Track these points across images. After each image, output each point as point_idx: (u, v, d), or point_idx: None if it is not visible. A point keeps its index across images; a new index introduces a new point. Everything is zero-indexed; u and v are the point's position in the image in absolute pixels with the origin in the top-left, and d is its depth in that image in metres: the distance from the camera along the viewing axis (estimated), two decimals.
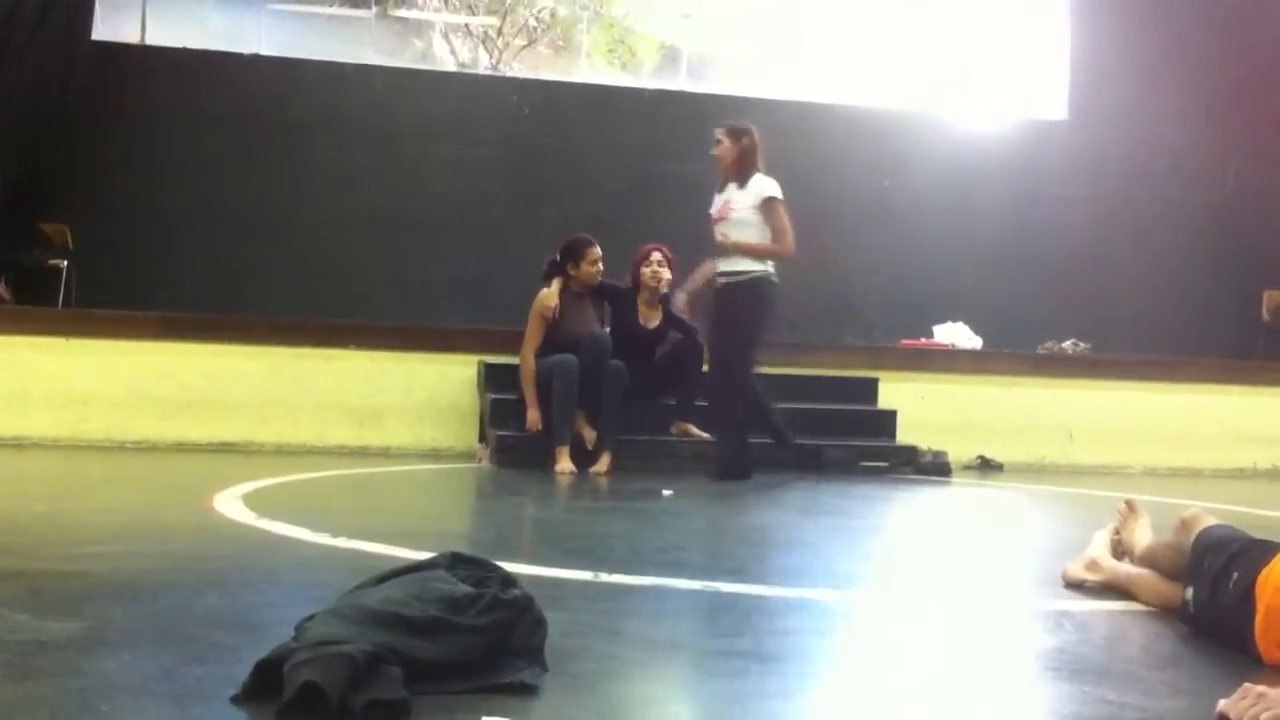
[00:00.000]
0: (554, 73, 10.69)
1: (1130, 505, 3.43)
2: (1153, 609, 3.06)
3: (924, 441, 7.44)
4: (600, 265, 6.91)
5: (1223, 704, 2.11)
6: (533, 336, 6.81)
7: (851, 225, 9.88)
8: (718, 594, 3.19)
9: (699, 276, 6.77)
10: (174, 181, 9.19)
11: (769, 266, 6.40)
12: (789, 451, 6.86)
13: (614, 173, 9.74)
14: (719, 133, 6.52)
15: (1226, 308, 10.25)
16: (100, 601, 2.73)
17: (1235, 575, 2.65)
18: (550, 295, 6.85)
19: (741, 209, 6.38)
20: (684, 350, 6.94)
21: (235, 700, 1.96)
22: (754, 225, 6.35)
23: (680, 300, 6.91)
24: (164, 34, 9.59)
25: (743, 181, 6.42)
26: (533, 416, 6.66)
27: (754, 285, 6.33)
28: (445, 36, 10.95)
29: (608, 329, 6.99)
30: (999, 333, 9.23)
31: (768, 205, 6.34)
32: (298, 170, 9.46)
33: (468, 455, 7.24)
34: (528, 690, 2.09)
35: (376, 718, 1.88)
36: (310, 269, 9.29)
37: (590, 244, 6.93)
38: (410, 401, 7.55)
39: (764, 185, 6.38)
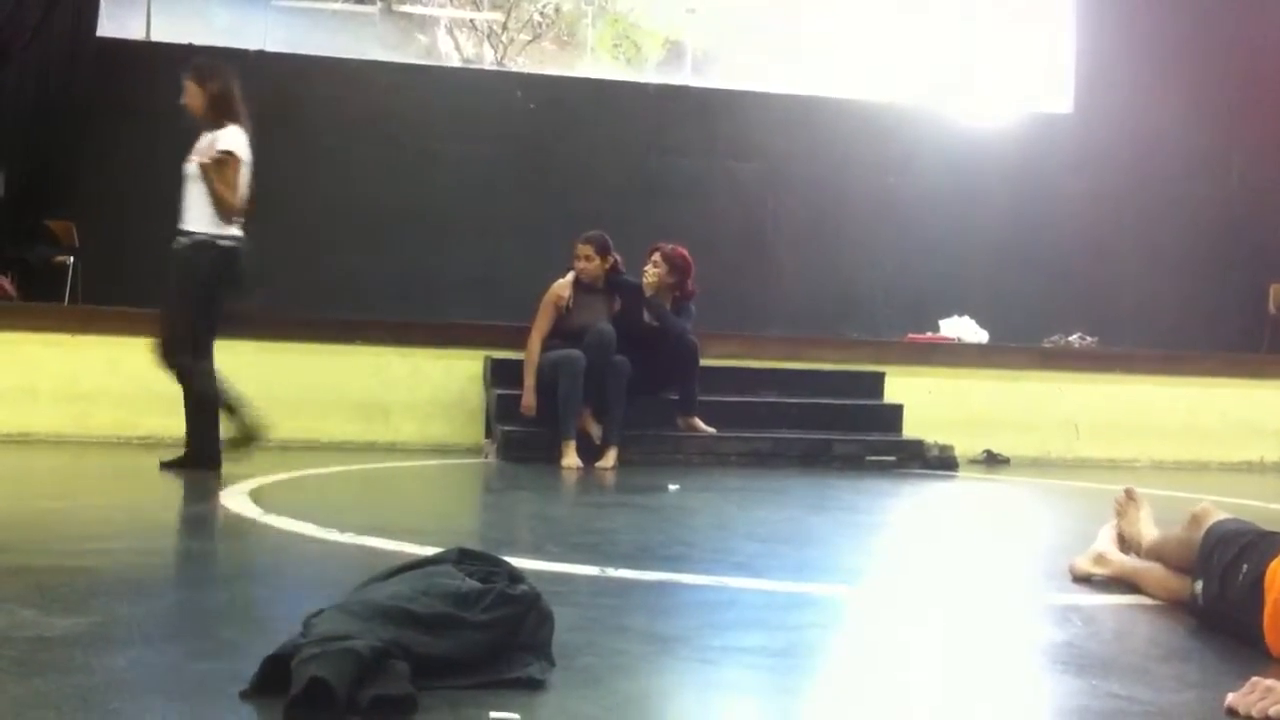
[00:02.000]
0: (558, 68, 10.68)
1: (1129, 494, 3.40)
2: (1160, 603, 3.05)
3: (930, 436, 7.44)
4: (586, 261, 6.86)
5: (1231, 698, 2.10)
6: (541, 323, 6.82)
7: (856, 220, 9.87)
8: (725, 589, 3.18)
9: None
10: (179, 178, 9.13)
11: (222, 229, 5.51)
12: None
13: (619, 168, 9.73)
14: (185, 78, 5.63)
15: (1233, 301, 10.23)
16: (107, 597, 2.73)
17: (1245, 568, 2.65)
18: (563, 286, 6.85)
19: (193, 164, 5.54)
20: (678, 348, 6.91)
21: (243, 696, 1.96)
22: (199, 181, 5.52)
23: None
24: (169, 30, 9.58)
25: (214, 131, 5.54)
26: (528, 401, 6.68)
27: (190, 250, 5.55)
28: (450, 32, 10.94)
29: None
30: (1005, 327, 9.21)
31: (218, 161, 5.45)
32: (302, 166, 9.44)
33: (474, 450, 7.24)
34: (535, 685, 2.09)
35: (383, 713, 1.88)
36: (315, 265, 9.28)
37: (580, 241, 6.92)
38: (416, 397, 7.55)
39: (223, 138, 5.48)
